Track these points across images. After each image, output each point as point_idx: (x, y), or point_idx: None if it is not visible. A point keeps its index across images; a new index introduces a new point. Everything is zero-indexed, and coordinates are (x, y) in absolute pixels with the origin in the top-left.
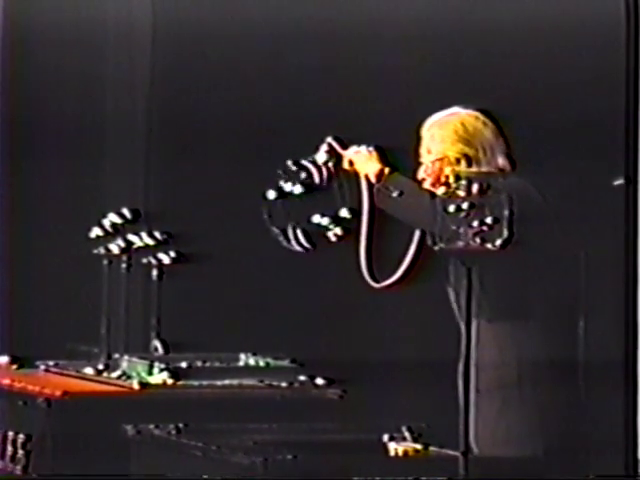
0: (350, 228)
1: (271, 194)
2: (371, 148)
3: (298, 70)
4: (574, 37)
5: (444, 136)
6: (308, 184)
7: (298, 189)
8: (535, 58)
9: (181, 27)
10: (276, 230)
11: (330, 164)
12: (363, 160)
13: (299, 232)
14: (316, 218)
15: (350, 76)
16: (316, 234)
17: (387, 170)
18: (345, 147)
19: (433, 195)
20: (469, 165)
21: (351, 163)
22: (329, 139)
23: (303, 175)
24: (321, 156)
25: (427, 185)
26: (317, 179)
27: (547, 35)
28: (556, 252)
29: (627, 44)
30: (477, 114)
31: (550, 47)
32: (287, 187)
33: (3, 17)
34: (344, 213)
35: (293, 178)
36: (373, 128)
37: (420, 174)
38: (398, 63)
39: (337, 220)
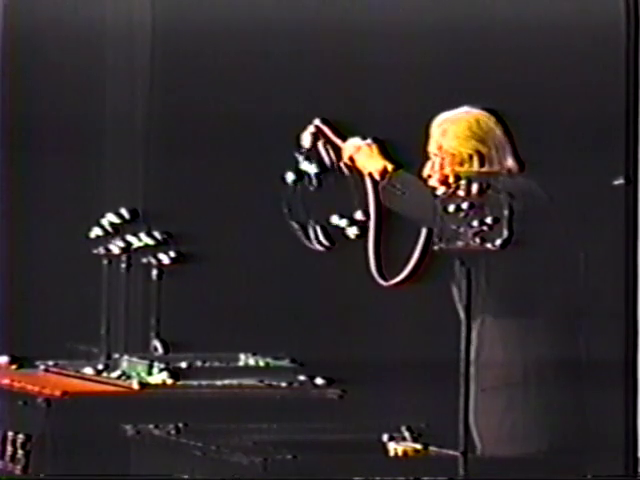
0: (366, 228)
1: (290, 177)
2: (369, 141)
3: (302, 69)
4: (574, 37)
5: (457, 132)
6: (322, 165)
7: (313, 169)
8: (534, 58)
9: (181, 27)
10: (296, 226)
11: (329, 147)
12: (365, 157)
13: (319, 230)
14: (334, 219)
15: (358, 74)
16: (335, 232)
17: (391, 167)
18: (336, 131)
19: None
20: (481, 163)
21: (352, 160)
22: (317, 121)
23: (314, 158)
24: (306, 138)
25: (433, 181)
26: (327, 160)
27: (547, 35)
28: (560, 251)
29: (627, 44)
30: (487, 114)
31: (550, 47)
32: (304, 166)
33: (3, 17)
34: (359, 215)
35: (307, 159)
36: (380, 124)
37: (426, 171)
38: (406, 61)
39: (354, 221)
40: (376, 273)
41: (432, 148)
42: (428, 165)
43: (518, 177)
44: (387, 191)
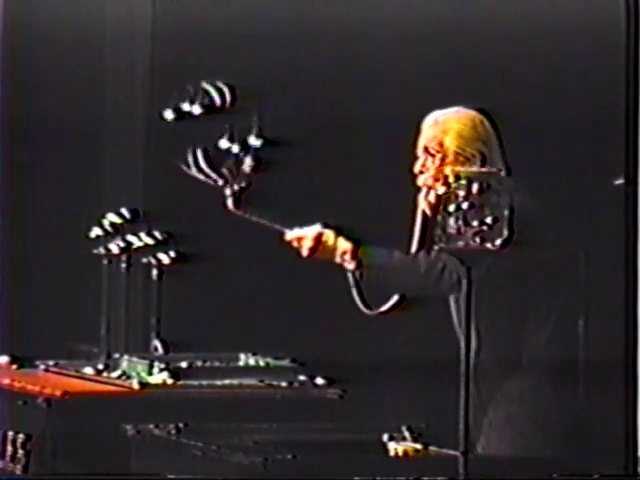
0: (261, 158)
1: (169, 115)
2: (318, 228)
3: (300, 68)
4: (574, 37)
5: (463, 131)
6: (209, 107)
7: (197, 110)
8: (534, 58)
9: (181, 26)
10: (175, 157)
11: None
12: (329, 249)
13: (199, 154)
14: (223, 143)
15: (352, 74)
16: (219, 159)
17: (351, 249)
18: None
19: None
20: (482, 164)
21: (314, 249)
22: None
23: (204, 98)
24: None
25: (426, 178)
26: (218, 101)
27: (547, 35)
28: (552, 254)
29: (627, 44)
30: (482, 116)
31: (550, 47)
32: (185, 107)
33: (3, 17)
34: (253, 141)
35: (193, 100)
36: (372, 125)
37: (418, 167)
38: (399, 62)
39: (246, 148)
40: (360, 303)
41: (431, 144)
42: (420, 161)
43: (511, 181)
44: (359, 274)
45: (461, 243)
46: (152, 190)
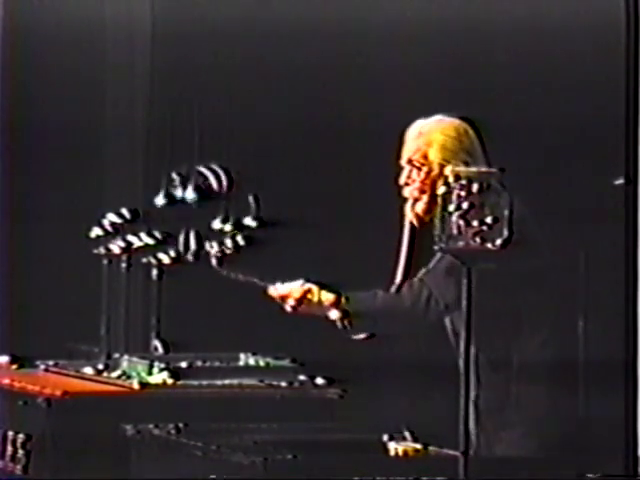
0: (253, 237)
1: (160, 200)
2: (301, 283)
3: (298, 69)
4: (574, 37)
5: (447, 143)
6: (204, 191)
7: (190, 195)
8: (535, 58)
9: (180, 27)
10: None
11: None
12: (314, 305)
13: (192, 236)
14: (216, 224)
15: (336, 77)
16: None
17: (334, 301)
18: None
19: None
20: None
21: (300, 302)
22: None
23: (199, 181)
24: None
25: (411, 190)
26: (215, 186)
27: (547, 36)
28: (550, 255)
29: (627, 44)
30: (466, 124)
31: (550, 47)
32: (178, 193)
33: (3, 17)
34: (248, 221)
35: (185, 184)
36: (354, 132)
37: (403, 178)
38: (383, 67)
39: (240, 228)
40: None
41: (415, 157)
42: (405, 173)
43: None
44: (347, 324)
45: (461, 243)
46: (152, 190)
